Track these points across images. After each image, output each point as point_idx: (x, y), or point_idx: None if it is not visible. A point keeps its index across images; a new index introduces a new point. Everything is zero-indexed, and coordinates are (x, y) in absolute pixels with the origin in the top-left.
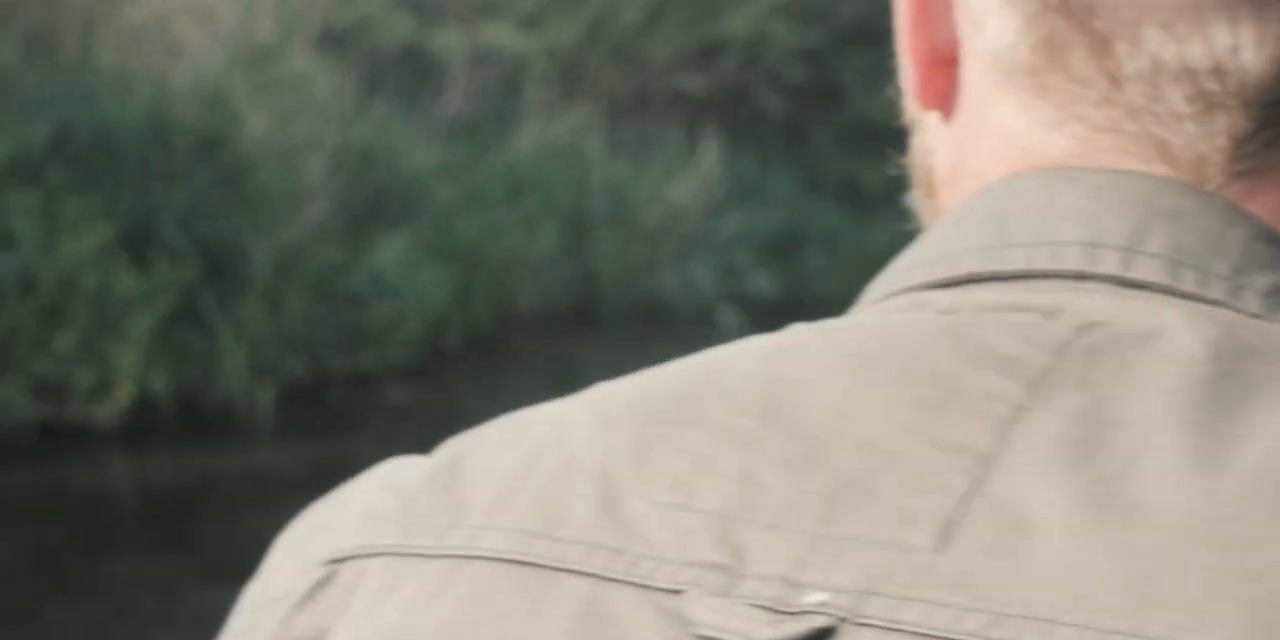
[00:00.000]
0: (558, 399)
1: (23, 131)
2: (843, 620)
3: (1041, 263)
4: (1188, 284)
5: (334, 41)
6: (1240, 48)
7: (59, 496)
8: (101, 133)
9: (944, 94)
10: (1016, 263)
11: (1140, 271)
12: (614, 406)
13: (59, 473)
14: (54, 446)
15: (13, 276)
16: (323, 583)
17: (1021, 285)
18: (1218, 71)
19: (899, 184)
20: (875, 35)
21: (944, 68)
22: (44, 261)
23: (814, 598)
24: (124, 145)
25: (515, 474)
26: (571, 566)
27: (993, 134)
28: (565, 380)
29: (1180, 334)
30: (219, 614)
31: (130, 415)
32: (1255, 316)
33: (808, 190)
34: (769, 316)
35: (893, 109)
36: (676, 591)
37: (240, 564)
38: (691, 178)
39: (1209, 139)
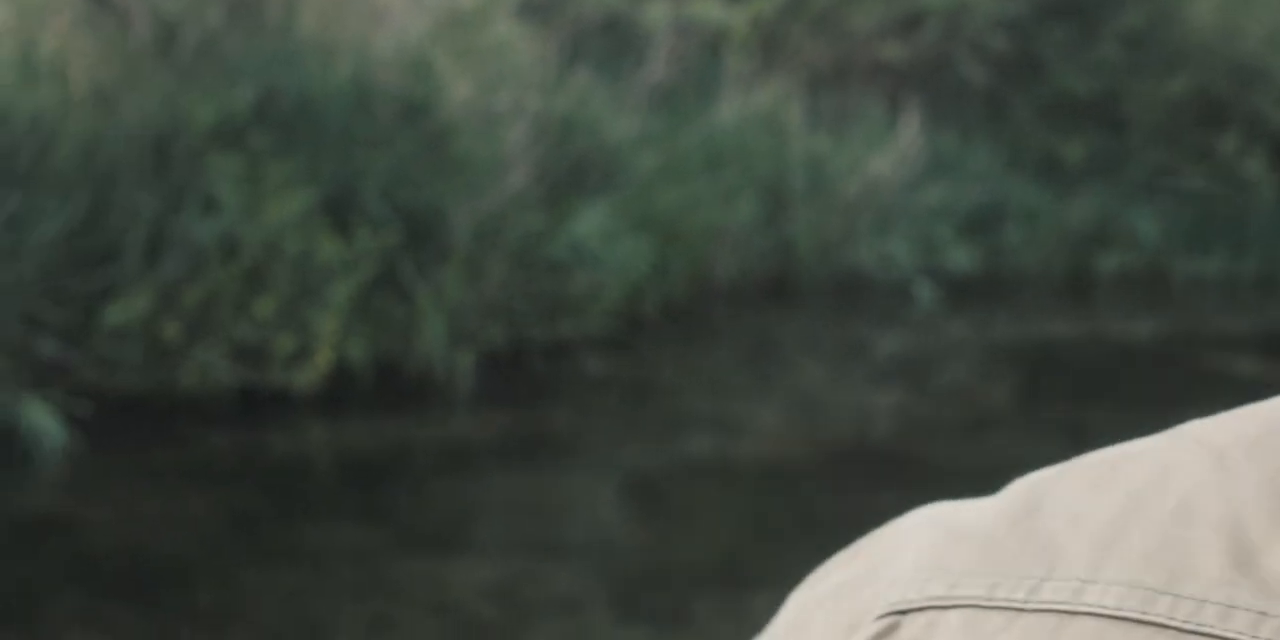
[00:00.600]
0: (1138, 439)
1: (227, 96)
2: None
3: None
4: None
5: (536, 9)
6: None
7: (257, 462)
8: (305, 98)
9: None
10: None
11: None
12: (1229, 448)
13: (258, 438)
14: (253, 411)
15: (216, 241)
16: (882, 636)
17: None
18: None
19: (1098, 160)
20: (1077, 7)
21: None
22: (247, 226)
23: None
24: (327, 111)
25: (1116, 520)
26: (1206, 629)
27: None
28: (761, 353)
29: None
30: (415, 585)
31: (329, 382)
32: None
33: (1008, 164)
34: (966, 292)
35: (1093, 83)
36: None
37: (436, 535)
38: (891, 150)
39: None
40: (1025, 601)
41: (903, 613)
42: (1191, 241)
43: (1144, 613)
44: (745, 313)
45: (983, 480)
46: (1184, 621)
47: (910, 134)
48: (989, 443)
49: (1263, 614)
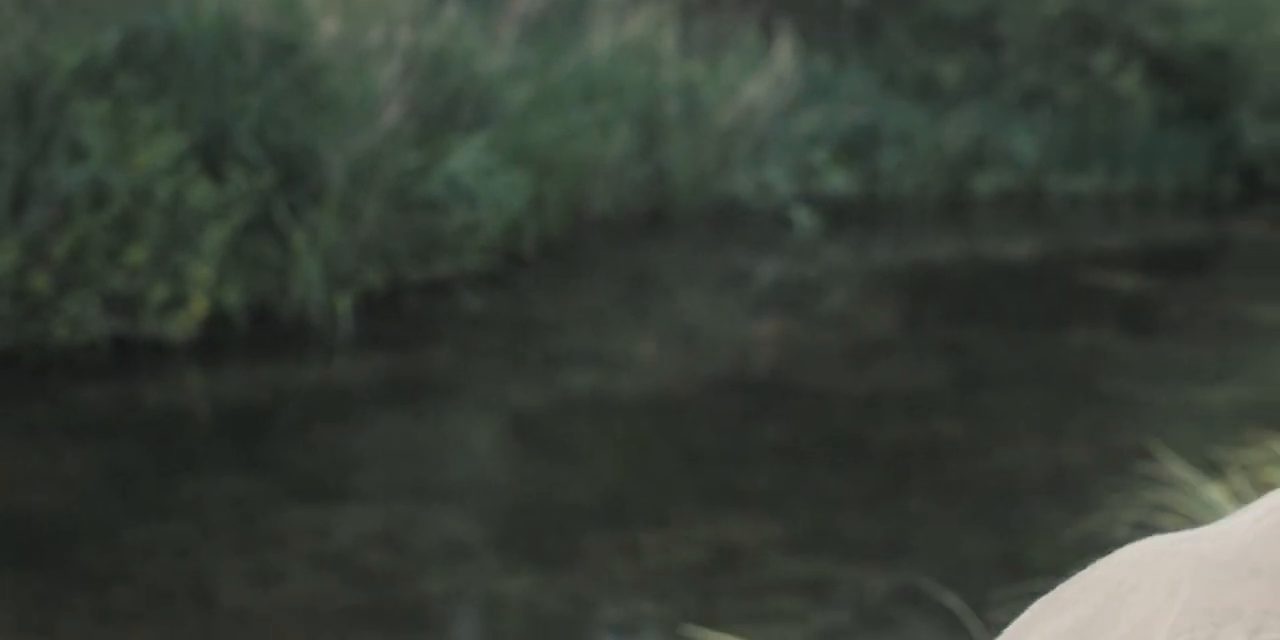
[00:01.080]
0: None
1: (91, 39)
2: None
3: None
4: None
5: None
6: None
7: (132, 413)
8: (172, 39)
9: None
10: None
11: None
12: None
13: (133, 390)
14: (126, 362)
15: (83, 188)
16: None
17: None
18: None
19: (975, 80)
20: None
21: None
22: (115, 173)
23: None
24: (195, 52)
25: None
26: None
27: None
28: (640, 285)
29: None
30: (301, 535)
31: (204, 329)
32: None
33: (883, 86)
34: (844, 216)
35: (969, 3)
36: None
37: (319, 483)
38: (765, 76)
39: None
40: None
41: None
42: (1068, 160)
43: None
44: (623, 245)
45: (867, 406)
46: None
47: (784, 59)
48: (872, 368)
49: None
